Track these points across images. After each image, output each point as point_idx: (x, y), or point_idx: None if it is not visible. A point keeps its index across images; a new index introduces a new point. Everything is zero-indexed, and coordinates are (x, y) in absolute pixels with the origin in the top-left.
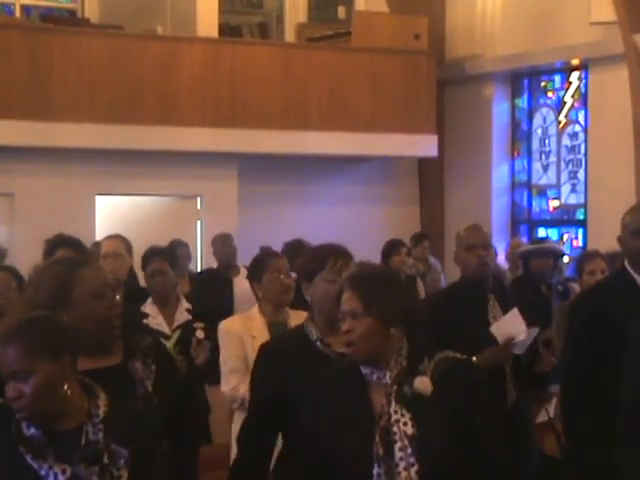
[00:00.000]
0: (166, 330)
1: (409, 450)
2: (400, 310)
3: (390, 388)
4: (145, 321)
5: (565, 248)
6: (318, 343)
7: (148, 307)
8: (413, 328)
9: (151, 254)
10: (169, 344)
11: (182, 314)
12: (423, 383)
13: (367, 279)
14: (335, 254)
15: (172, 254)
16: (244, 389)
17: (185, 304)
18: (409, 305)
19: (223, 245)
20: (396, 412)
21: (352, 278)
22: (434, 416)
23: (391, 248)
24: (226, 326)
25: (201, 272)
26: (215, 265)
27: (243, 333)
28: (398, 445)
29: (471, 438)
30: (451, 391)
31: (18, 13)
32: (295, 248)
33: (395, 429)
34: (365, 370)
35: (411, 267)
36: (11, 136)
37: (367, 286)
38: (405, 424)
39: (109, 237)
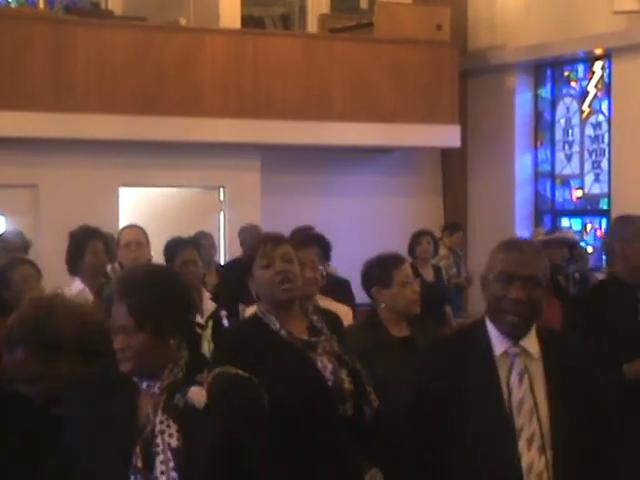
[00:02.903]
0: (200, 320)
1: (171, 464)
2: (178, 319)
3: (159, 397)
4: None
5: (587, 237)
6: (282, 332)
7: None
8: (193, 336)
9: (180, 244)
10: (206, 334)
11: (208, 303)
12: (197, 394)
13: (138, 289)
14: (262, 241)
15: (198, 245)
16: None
17: (207, 293)
18: (187, 312)
19: (251, 236)
20: (162, 422)
21: (121, 288)
22: (203, 430)
23: (414, 239)
24: (247, 312)
25: (228, 262)
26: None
27: None
28: (160, 458)
29: (239, 458)
30: (226, 407)
31: (42, 5)
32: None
33: (159, 440)
34: (135, 377)
35: (441, 258)
36: (35, 128)
37: (138, 298)
38: (170, 436)
39: (128, 227)
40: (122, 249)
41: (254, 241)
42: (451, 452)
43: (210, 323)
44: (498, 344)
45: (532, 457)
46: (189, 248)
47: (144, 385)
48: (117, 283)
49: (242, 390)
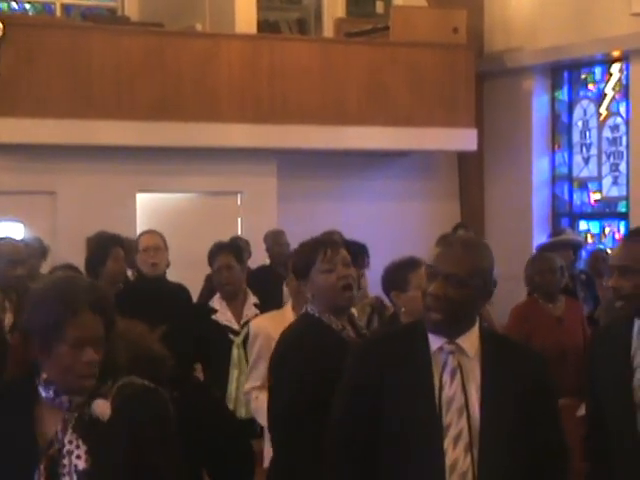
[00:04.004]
0: (235, 326)
1: None
2: None
3: (69, 414)
4: (214, 317)
5: (605, 241)
6: (344, 333)
7: (216, 302)
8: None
9: (217, 249)
10: (237, 340)
11: (250, 309)
12: (101, 407)
13: (108, 300)
14: (323, 245)
15: (238, 249)
16: (262, 397)
17: (253, 299)
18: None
19: (275, 242)
20: (71, 442)
21: (94, 300)
22: (110, 446)
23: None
24: (255, 324)
25: (255, 269)
26: (260, 261)
27: (272, 331)
28: None
29: (149, 473)
30: (131, 420)
31: (59, 12)
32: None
33: (66, 462)
34: (74, 395)
35: None
36: (52, 135)
37: (110, 312)
38: (78, 457)
39: (147, 232)
40: (140, 254)
41: (308, 245)
42: (380, 447)
43: (245, 330)
44: (434, 340)
45: (457, 455)
46: (225, 253)
47: (59, 400)
48: (87, 293)
49: (148, 402)
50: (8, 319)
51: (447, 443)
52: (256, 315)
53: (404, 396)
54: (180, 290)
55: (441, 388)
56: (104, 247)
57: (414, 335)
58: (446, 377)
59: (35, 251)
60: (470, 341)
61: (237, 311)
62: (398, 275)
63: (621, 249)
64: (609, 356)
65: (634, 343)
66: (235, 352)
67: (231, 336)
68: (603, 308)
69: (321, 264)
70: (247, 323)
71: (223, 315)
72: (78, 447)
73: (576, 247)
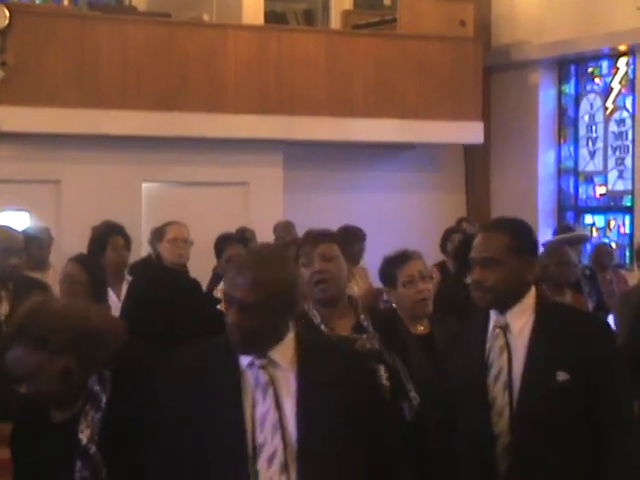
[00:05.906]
0: None
1: None
2: None
3: None
4: (219, 307)
5: (610, 234)
6: (322, 326)
7: (221, 294)
8: None
9: (226, 240)
10: None
11: None
12: None
13: None
14: (304, 239)
15: (245, 240)
16: None
17: None
18: None
19: (285, 233)
20: None
21: None
22: None
23: (446, 234)
24: None
25: None
26: None
27: None
28: None
29: None
30: None
31: (66, 1)
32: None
33: None
34: None
35: None
36: (58, 124)
37: None
38: None
39: (175, 223)
40: (168, 243)
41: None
42: (190, 471)
43: None
44: (244, 356)
45: (271, 476)
46: (235, 244)
47: None
48: None
49: None
50: (4, 308)
51: (261, 463)
52: None
53: (212, 418)
54: (196, 285)
55: (254, 405)
56: (103, 236)
57: (222, 352)
58: (258, 394)
59: (43, 242)
60: (282, 353)
61: None
62: (388, 271)
63: (482, 241)
64: (462, 348)
65: (489, 339)
66: None
67: None
68: (617, 300)
69: (301, 258)
70: None
71: None
72: None
73: (583, 242)
